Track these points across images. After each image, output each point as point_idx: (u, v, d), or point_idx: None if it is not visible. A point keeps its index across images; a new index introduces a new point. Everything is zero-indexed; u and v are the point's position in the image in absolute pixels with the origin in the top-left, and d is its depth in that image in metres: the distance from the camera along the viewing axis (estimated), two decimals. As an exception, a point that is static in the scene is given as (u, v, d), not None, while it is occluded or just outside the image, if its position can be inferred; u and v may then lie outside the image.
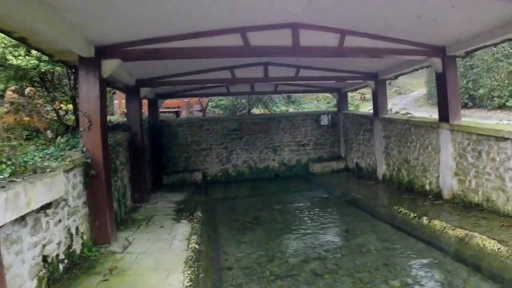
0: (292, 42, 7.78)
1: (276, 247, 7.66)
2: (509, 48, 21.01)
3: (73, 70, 9.59)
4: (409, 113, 13.70)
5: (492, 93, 21.74)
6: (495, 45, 9.33)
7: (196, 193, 12.41)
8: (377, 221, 9.00)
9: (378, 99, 12.93)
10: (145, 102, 16.00)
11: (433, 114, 12.09)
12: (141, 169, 10.41)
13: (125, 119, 12.17)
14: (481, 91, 22.03)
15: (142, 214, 9.41)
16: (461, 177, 8.68)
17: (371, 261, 6.71)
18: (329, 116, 16.25)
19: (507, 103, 20.85)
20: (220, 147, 15.20)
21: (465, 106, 22.19)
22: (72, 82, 10.26)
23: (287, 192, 12.90)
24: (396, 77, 12.81)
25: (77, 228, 6.03)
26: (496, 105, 21.50)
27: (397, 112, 14.39)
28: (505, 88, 21.31)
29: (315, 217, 9.81)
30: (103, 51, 6.97)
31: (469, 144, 8.44)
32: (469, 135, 8.42)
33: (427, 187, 10.01)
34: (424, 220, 7.86)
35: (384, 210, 9.46)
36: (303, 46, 7.87)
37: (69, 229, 5.70)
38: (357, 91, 29.45)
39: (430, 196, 9.63)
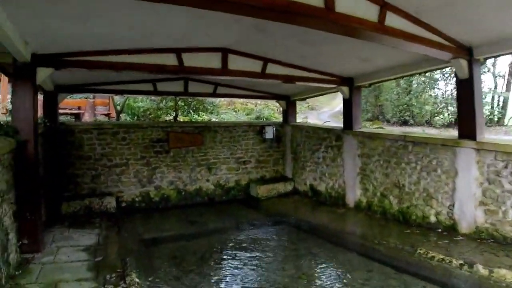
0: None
1: None
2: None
3: None
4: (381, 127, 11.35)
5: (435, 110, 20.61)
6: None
7: (112, 230, 8.65)
8: (403, 275, 6.26)
9: (353, 110, 10.44)
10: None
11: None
12: (34, 198, 6.47)
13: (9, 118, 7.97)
14: (428, 107, 20.73)
15: (37, 278, 5.66)
16: (491, 207, 7.00)
17: None
18: (274, 128, 13.28)
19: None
20: (140, 163, 11.40)
21: (405, 123, 20.71)
22: None
23: (238, 227, 9.65)
24: (370, 85, 10.60)
25: None
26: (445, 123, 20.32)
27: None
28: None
29: (318, 274, 6.66)
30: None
31: (506, 167, 6.78)
32: (507, 156, 6.75)
33: (432, 218, 8.08)
34: (481, 269, 5.78)
35: (403, 255, 6.94)
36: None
37: None
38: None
39: (439, 230, 7.79)
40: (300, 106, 33.13)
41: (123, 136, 11.16)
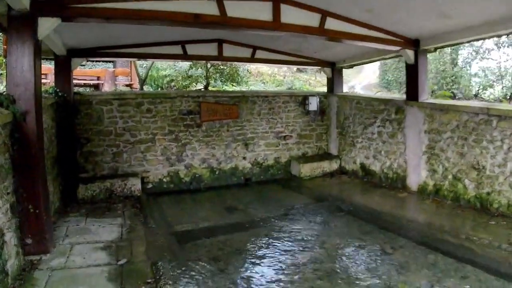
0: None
1: None
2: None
3: None
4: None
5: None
6: None
7: (137, 220, 7.28)
8: (509, 283, 4.79)
9: (419, 77, 8.76)
10: (45, 67, 10.58)
11: None
12: (38, 186, 5.03)
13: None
14: (477, 80, 18.68)
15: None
16: None
17: None
18: (318, 99, 11.62)
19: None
20: (168, 138, 9.92)
21: (454, 97, 18.70)
22: None
23: (286, 215, 8.09)
24: (436, 49, 8.85)
25: None
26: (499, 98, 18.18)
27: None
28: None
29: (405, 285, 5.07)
30: None
31: None
32: None
33: (520, 208, 6.55)
34: None
35: (504, 255, 5.49)
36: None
37: None
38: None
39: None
40: (324, 78, 31.10)
41: (148, 108, 9.66)
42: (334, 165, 11.40)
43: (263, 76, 26.09)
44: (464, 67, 20.38)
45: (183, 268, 5.40)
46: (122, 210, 7.75)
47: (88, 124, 9.01)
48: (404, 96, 9.32)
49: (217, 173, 10.51)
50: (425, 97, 8.83)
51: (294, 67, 25.02)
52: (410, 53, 8.63)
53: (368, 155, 10.37)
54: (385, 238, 6.58)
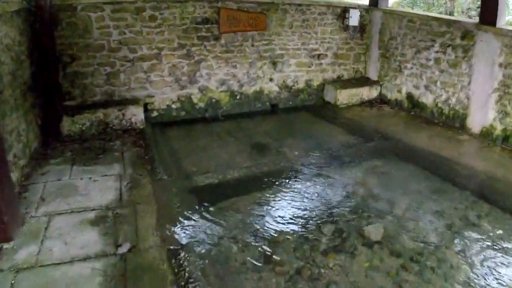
0: None
1: None
2: None
3: None
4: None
5: None
6: None
7: (141, 167, 5.44)
8: None
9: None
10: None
11: None
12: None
13: None
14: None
15: None
16: None
17: None
18: (359, 13, 9.42)
19: None
20: (178, 54, 7.80)
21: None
22: None
23: (332, 158, 6.39)
24: None
25: None
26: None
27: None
28: None
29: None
30: None
31: None
32: None
33: None
34: None
35: None
36: None
37: None
38: None
39: None
40: None
41: (152, 15, 7.41)
42: (373, 93, 9.47)
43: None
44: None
45: (217, 258, 3.70)
46: (121, 150, 5.91)
47: (72, 37, 6.80)
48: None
49: (238, 97, 8.56)
50: (503, 22, 6.84)
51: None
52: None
53: (418, 84, 8.41)
54: (464, 200, 5.12)
